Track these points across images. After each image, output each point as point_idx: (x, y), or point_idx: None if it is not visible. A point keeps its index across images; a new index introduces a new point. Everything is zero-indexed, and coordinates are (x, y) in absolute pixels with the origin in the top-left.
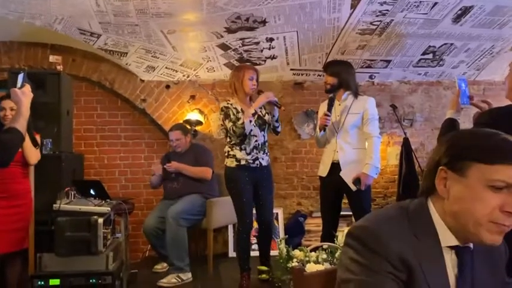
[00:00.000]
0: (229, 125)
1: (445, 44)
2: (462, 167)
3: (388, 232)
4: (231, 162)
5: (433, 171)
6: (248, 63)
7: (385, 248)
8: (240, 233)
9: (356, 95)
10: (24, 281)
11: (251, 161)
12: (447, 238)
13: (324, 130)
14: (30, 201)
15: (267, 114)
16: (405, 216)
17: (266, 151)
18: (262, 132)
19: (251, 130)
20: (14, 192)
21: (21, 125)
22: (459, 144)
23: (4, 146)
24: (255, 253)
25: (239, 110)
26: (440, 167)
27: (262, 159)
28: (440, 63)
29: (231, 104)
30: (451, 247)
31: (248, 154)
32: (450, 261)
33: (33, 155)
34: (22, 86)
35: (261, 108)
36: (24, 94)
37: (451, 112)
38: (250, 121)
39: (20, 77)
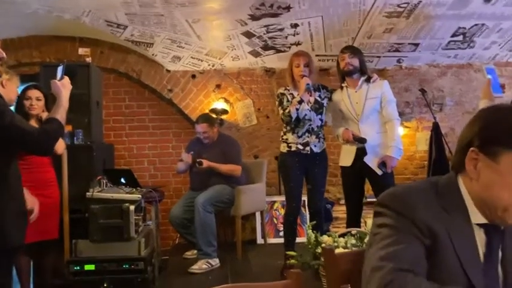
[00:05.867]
0: (280, 112)
1: (476, 24)
2: (495, 153)
3: (416, 199)
4: (283, 148)
5: (465, 149)
6: (298, 51)
7: (412, 212)
8: (286, 216)
9: (369, 79)
10: (59, 268)
11: (301, 147)
12: (476, 216)
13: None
14: (57, 190)
15: (326, 98)
16: (435, 190)
17: (320, 135)
18: (319, 116)
19: (305, 115)
20: (41, 181)
21: (62, 116)
22: (494, 128)
23: (47, 136)
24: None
25: (295, 96)
26: (472, 148)
27: (315, 145)
28: (471, 45)
29: (288, 90)
30: (480, 225)
31: (299, 137)
32: (479, 239)
33: (60, 145)
34: (62, 78)
35: (313, 92)
36: (64, 86)
37: (485, 102)
38: (297, 109)
39: (60, 69)
